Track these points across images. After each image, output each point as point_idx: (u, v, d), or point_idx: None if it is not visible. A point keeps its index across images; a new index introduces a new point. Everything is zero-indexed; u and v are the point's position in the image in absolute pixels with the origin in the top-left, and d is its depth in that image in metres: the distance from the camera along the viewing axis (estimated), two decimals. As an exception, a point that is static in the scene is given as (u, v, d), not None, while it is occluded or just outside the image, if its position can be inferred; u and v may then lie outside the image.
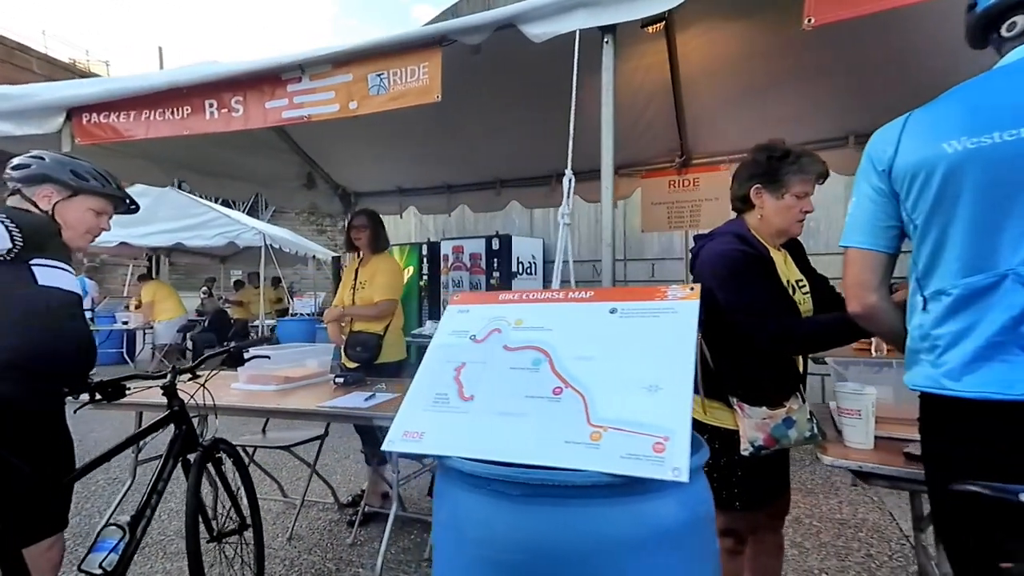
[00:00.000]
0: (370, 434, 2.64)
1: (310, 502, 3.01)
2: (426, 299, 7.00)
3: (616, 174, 4.00)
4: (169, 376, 1.65)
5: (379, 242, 2.85)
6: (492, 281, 6.37)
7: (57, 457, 1.44)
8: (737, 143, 3.57)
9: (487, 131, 3.50)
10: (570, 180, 1.33)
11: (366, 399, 2.01)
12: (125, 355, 8.97)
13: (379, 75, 1.73)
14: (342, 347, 2.82)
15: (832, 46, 2.53)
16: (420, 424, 0.91)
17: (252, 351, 1.91)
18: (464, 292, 1.02)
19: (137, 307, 8.29)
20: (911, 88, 2.85)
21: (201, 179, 3.68)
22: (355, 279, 2.85)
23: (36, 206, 1.51)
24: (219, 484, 1.86)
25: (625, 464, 0.75)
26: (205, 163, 3.60)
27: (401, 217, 5.01)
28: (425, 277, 7.00)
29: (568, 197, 1.30)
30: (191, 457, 1.71)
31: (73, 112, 2.10)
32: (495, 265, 6.35)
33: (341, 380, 2.39)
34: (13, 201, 1.51)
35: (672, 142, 3.62)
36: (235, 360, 1.77)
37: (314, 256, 9.60)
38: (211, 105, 1.97)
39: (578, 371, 0.87)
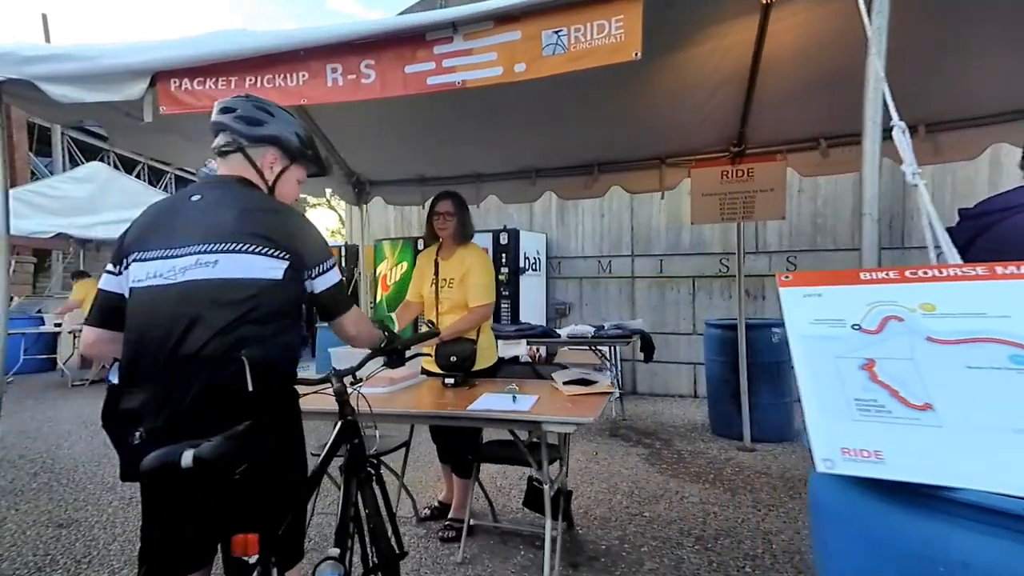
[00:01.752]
0: (461, 442, 2.39)
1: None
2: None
3: (663, 164, 3.94)
4: (335, 380, 1.39)
5: (466, 230, 2.50)
6: (500, 277, 6.12)
7: (303, 472, 1.29)
8: (798, 132, 3.48)
9: (523, 117, 3.18)
10: (904, 131, 1.12)
11: (514, 401, 1.78)
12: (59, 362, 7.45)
13: (556, 32, 1.46)
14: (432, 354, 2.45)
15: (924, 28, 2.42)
16: (862, 439, 0.71)
17: (413, 348, 1.65)
18: (796, 271, 0.84)
19: (71, 308, 6.96)
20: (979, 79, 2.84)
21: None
22: (436, 273, 2.48)
23: (261, 175, 1.28)
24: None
25: None
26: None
27: (425, 208, 4.70)
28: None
29: (908, 151, 1.09)
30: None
31: (159, 77, 1.73)
32: (503, 260, 6.10)
33: (451, 381, 2.15)
34: (234, 163, 1.27)
35: (731, 130, 3.50)
36: (399, 358, 1.52)
37: None
38: (334, 70, 1.66)
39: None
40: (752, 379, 3.87)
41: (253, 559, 1.03)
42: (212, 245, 1.14)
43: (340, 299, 1.32)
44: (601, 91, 3.05)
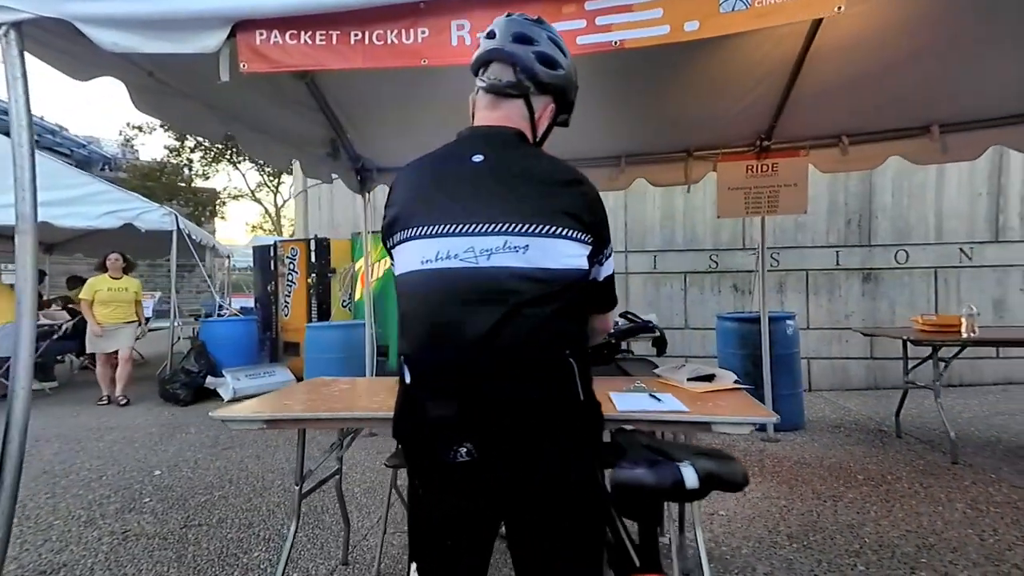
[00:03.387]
0: None
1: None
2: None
3: (690, 157, 3.85)
4: None
5: None
6: (503, 273, 5.92)
7: None
8: (823, 129, 3.48)
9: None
10: None
11: (652, 399, 1.59)
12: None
13: (738, -14, 1.32)
14: None
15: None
16: None
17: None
18: None
19: None
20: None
21: (249, 136, 2.91)
22: None
23: (534, 129, 1.04)
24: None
25: None
26: (253, 118, 2.85)
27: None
28: (405, 271, 6.34)
29: None
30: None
31: (241, 27, 1.41)
32: (504, 256, 5.90)
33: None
34: (511, 110, 1.03)
35: (762, 124, 3.46)
36: (610, 353, 1.34)
37: (213, 247, 7.95)
38: (460, 27, 1.41)
39: None
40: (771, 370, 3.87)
41: None
42: (520, 225, 0.91)
43: (614, 288, 1.12)
44: (635, 79, 2.92)
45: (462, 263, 0.91)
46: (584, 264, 0.96)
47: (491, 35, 1.03)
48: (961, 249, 5.93)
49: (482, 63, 1.05)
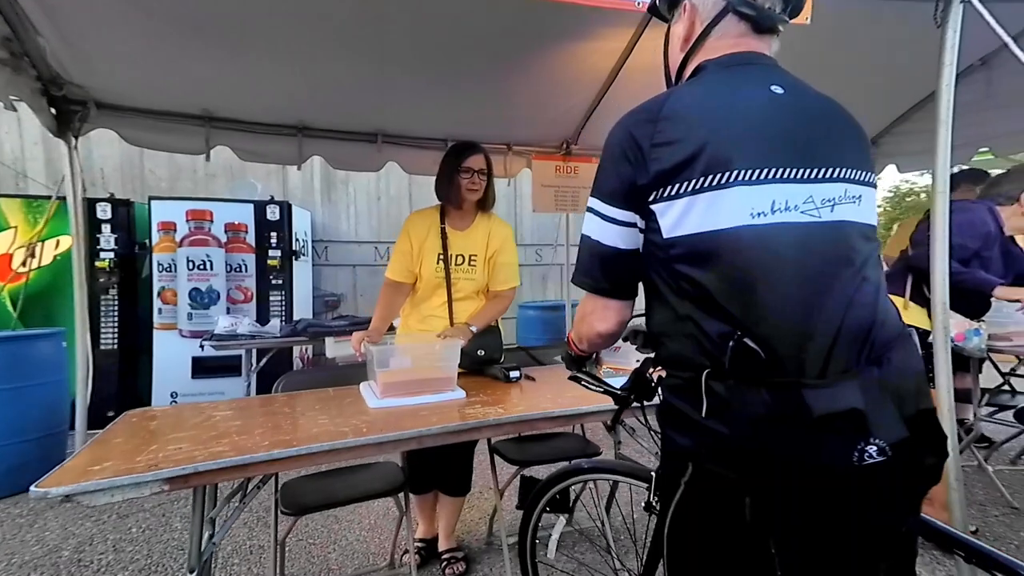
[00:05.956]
0: (458, 450, 1.89)
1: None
2: (113, 291, 4.50)
3: (510, 151, 3.94)
4: None
5: (493, 195, 2.00)
6: (270, 262, 4.82)
7: None
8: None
9: (373, 67, 2.62)
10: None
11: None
12: None
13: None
14: None
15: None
16: None
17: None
18: None
19: None
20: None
21: None
22: (445, 248, 1.90)
23: None
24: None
25: None
26: None
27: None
28: (110, 256, 4.54)
29: None
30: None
31: None
32: (272, 241, 4.82)
33: (516, 375, 1.74)
34: (772, 45, 0.90)
35: (570, 131, 3.78)
36: None
37: None
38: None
39: None
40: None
41: None
42: (853, 171, 0.77)
43: None
44: (469, 59, 2.75)
45: (804, 216, 0.73)
46: None
47: None
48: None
49: None
